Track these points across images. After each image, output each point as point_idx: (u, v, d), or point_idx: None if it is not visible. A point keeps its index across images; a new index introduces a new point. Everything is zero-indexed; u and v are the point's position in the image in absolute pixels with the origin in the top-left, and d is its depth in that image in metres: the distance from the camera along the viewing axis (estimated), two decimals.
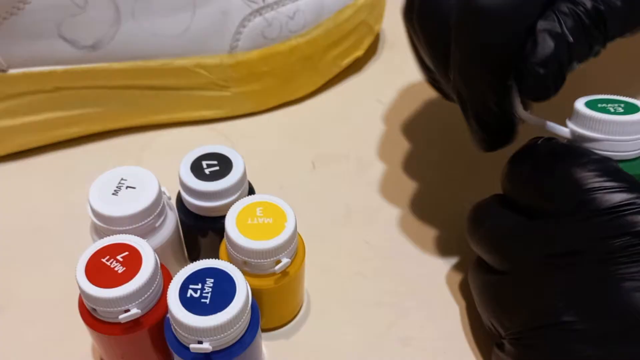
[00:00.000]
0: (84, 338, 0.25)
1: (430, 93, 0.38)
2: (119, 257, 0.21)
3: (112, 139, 0.33)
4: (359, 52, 0.37)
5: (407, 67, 0.39)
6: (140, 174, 0.24)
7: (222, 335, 0.20)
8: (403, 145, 0.34)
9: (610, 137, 0.21)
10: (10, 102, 0.30)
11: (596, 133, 0.21)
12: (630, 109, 0.22)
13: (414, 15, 0.24)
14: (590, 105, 0.22)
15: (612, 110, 0.22)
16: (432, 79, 0.27)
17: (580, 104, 0.22)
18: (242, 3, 0.32)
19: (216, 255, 0.25)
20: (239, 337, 0.21)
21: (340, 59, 0.36)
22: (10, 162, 0.32)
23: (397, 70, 0.39)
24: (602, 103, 0.22)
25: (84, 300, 0.21)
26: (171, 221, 0.25)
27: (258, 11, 0.32)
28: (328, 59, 0.36)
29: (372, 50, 0.40)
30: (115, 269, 0.21)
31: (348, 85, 0.38)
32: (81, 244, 0.28)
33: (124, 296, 0.20)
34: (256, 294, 0.23)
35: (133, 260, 0.21)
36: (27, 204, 0.30)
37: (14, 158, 0.32)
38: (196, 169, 0.25)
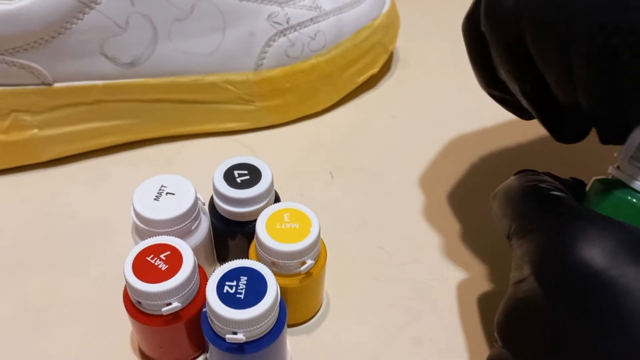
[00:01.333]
0: (122, 331, 0.27)
1: (440, 109, 0.40)
2: (162, 256, 0.24)
3: (145, 148, 0.36)
4: (374, 70, 0.40)
5: (419, 84, 0.42)
6: (179, 182, 0.26)
7: (255, 327, 0.22)
8: (415, 158, 0.36)
9: None
10: (54, 113, 0.32)
11: None
12: None
13: (489, 25, 0.22)
14: None
15: None
16: (499, 92, 0.26)
17: None
18: (267, 25, 0.34)
19: (242, 256, 0.27)
20: (268, 330, 0.23)
21: (356, 76, 0.39)
22: (52, 167, 0.34)
23: (409, 87, 0.41)
24: None
25: (130, 294, 0.24)
26: (205, 224, 0.27)
27: (282, 32, 0.35)
28: (345, 77, 0.38)
29: (386, 68, 0.42)
30: (159, 266, 0.23)
31: (363, 100, 0.40)
32: (117, 245, 0.30)
33: (167, 291, 0.23)
34: (282, 292, 0.25)
35: (174, 259, 0.23)
36: (67, 207, 0.33)
37: (55, 164, 0.34)
38: (229, 177, 0.27)
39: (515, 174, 0.25)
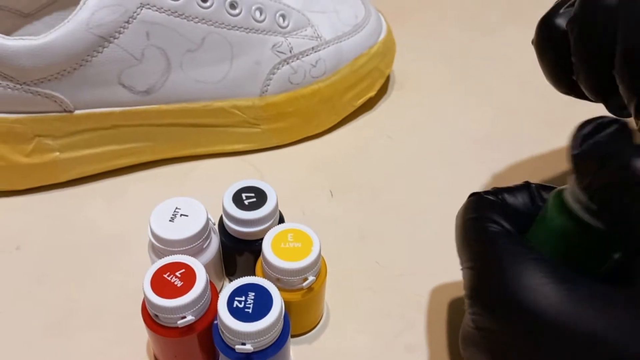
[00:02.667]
0: (139, 340, 0.30)
1: (435, 129, 0.42)
2: (177, 274, 0.26)
3: (159, 168, 0.38)
4: (372, 93, 0.42)
5: (414, 106, 0.44)
6: (192, 204, 0.29)
7: (262, 338, 0.25)
8: (411, 176, 0.39)
9: None
10: (75, 137, 0.35)
11: None
12: None
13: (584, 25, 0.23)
14: None
15: None
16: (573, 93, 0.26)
17: None
18: (272, 54, 0.37)
19: (249, 271, 0.30)
20: (274, 341, 0.26)
21: (355, 99, 0.41)
22: (72, 187, 0.37)
23: (405, 109, 0.44)
24: None
25: (148, 308, 0.26)
26: (215, 243, 0.30)
27: (285, 60, 0.37)
28: (345, 100, 0.41)
29: (382, 91, 0.44)
30: (175, 283, 0.26)
31: (362, 122, 0.43)
32: (134, 257, 0.33)
33: (182, 305, 0.25)
34: (286, 305, 0.27)
35: (188, 276, 0.26)
36: (88, 222, 0.35)
37: (76, 183, 0.37)
38: (237, 200, 0.29)
39: (469, 197, 0.26)
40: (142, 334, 0.29)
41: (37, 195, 0.36)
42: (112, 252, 0.34)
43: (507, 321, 0.21)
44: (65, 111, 0.34)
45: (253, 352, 0.25)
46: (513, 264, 0.21)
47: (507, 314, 0.21)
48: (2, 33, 0.32)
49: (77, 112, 0.34)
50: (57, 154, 0.35)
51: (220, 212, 0.30)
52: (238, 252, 0.30)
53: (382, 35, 0.41)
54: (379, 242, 0.35)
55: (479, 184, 0.38)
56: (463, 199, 0.38)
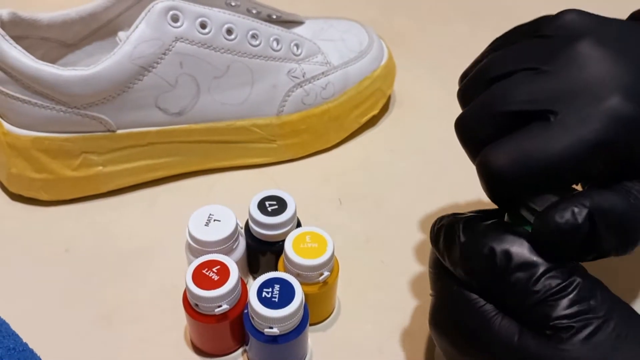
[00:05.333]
0: (178, 328, 0.34)
1: (432, 143, 0.47)
2: (214, 269, 0.31)
3: (188, 179, 0.43)
4: (375, 111, 0.47)
5: (413, 122, 0.49)
6: (223, 211, 0.34)
7: (286, 323, 0.29)
8: (411, 186, 0.43)
9: None
10: (116, 153, 0.40)
11: None
12: None
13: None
14: None
15: None
16: None
17: None
18: (287, 79, 0.42)
19: (270, 269, 0.34)
20: (296, 325, 0.30)
21: (360, 117, 0.46)
22: (111, 197, 0.41)
23: (405, 125, 0.48)
24: None
25: (189, 298, 0.31)
26: (242, 244, 0.35)
27: (299, 84, 0.42)
28: (351, 118, 0.45)
29: (384, 109, 0.49)
30: (212, 277, 0.30)
31: (366, 137, 0.47)
32: (167, 259, 0.38)
33: (219, 296, 0.30)
34: (305, 297, 0.32)
35: (223, 271, 0.31)
36: (126, 228, 0.40)
37: (114, 194, 0.42)
38: (261, 207, 0.34)
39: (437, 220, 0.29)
40: (179, 324, 0.34)
41: (82, 205, 0.41)
42: (149, 254, 0.38)
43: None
44: (108, 131, 0.39)
45: (279, 335, 0.30)
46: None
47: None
48: (49, 61, 0.37)
49: (119, 131, 0.39)
50: (101, 168, 0.40)
51: (243, 218, 0.35)
52: (261, 252, 0.35)
53: (384, 60, 0.46)
54: (383, 244, 0.39)
55: (473, 193, 0.42)
56: (457, 206, 0.43)
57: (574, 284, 0.23)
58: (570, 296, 0.23)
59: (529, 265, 0.23)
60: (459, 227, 0.26)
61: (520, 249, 0.24)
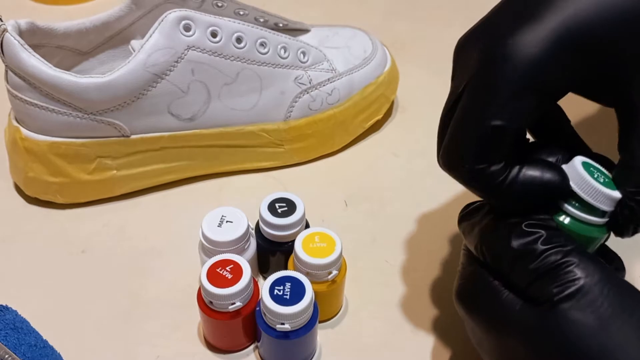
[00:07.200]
0: (191, 326, 0.36)
1: (434, 147, 0.48)
2: (227, 268, 0.32)
3: (198, 183, 0.44)
4: (379, 116, 0.48)
5: (416, 127, 0.50)
6: (235, 213, 0.35)
7: (297, 319, 0.31)
8: (414, 188, 0.45)
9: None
10: (129, 158, 0.41)
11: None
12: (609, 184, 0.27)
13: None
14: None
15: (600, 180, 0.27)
16: None
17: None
18: (294, 85, 0.43)
19: (280, 268, 0.36)
20: (306, 322, 0.32)
21: (364, 122, 0.48)
22: (126, 199, 0.43)
23: (408, 130, 0.50)
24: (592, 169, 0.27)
25: (204, 296, 0.32)
26: (253, 244, 0.36)
27: (306, 90, 0.44)
28: (356, 122, 0.47)
29: (388, 114, 0.50)
30: (225, 275, 0.32)
31: (370, 141, 0.49)
32: (180, 259, 0.39)
33: (232, 293, 0.31)
34: (314, 294, 0.34)
35: (236, 270, 0.32)
36: (140, 229, 0.41)
37: (128, 197, 0.43)
38: (272, 209, 0.36)
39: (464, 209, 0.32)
40: (193, 320, 0.36)
41: (97, 207, 0.42)
42: (161, 254, 0.40)
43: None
44: (123, 136, 0.40)
45: (290, 331, 0.31)
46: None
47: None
48: (64, 69, 0.38)
49: (133, 136, 0.40)
50: (115, 172, 0.41)
51: (252, 219, 0.36)
52: (272, 252, 0.37)
53: (387, 66, 0.48)
54: (388, 244, 0.41)
55: (475, 196, 0.44)
56: (459, 207, 0.44)
57: (570, 260, 0.26)
58: (568, 268, 0.26)
59: (529, 251, 0.27)
60: (477, 213, 0.31)
61: (528, 238, 0.27)
